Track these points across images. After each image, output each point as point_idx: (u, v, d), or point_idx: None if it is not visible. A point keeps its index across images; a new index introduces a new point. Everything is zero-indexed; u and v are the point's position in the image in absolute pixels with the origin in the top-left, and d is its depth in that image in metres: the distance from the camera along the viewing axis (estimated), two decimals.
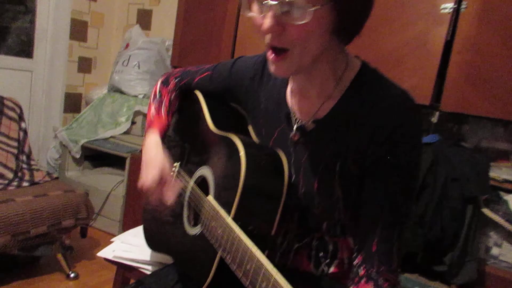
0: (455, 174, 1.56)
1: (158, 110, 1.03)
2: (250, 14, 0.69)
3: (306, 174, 0.80)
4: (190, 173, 0.94)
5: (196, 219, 0.88)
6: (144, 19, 3.21)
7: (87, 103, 3.16)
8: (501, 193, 1.70)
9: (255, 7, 0.68)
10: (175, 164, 1.01)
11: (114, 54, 3.30)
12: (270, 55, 0.70)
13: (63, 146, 2.76)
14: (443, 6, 1.72)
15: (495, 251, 1.60)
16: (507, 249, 1.58)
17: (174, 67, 2.58)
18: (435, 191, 1.56)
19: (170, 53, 2.87)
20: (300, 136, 0.81)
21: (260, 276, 0.60)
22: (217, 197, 0.79)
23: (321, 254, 0.85)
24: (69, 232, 1.95)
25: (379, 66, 2.00)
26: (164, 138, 1.01)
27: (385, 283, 0.70)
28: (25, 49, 2.86)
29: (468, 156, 1.66)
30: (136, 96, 2.83)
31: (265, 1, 0.64)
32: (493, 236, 1.60)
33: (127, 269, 1.21)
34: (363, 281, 0.71)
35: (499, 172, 1.80)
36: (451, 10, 1.70)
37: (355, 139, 0.74)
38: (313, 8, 0.62)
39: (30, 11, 2.86)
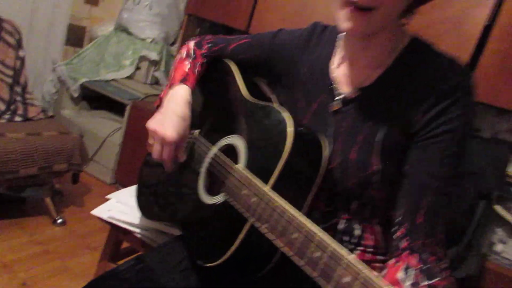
0: (472, 168, 1.48)
1: (193, 69, 0.96)
2: None
3: (344, 142, 0.77)
4: (213, 141, 0.89)
5: (214, 188, 0.84)
6: None
7: (91, 39, 2.97)
8: None
9: None
10: (194, 131, 0.94)
11: None
12: (352, 12, 0.67)
13: (61, 81, 2.61)
14: None
15: (498, 247, 1.58)
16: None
17: (188, 15, 2.41)
18: None
19: None
20: (342, 106, 0.79)
21: (312, 245, 0.58)
22: (249, 167, 0.76)
23: (346, 238, 0.80)
24: (60, 176, 1.87)
25: None
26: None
27: (431, 257, 0.67)
28: None
29: (487, 148, 1.58)
30: (143, 40, 2.66)
31: None
32: (499, 233, 1.58)
33: (121, 231, 1.14)
34: (406, 253, 0.68)
35: None
36: None
37: (403, 106, 0.72)
38: None
39: None
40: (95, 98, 2.73)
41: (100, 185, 2.37)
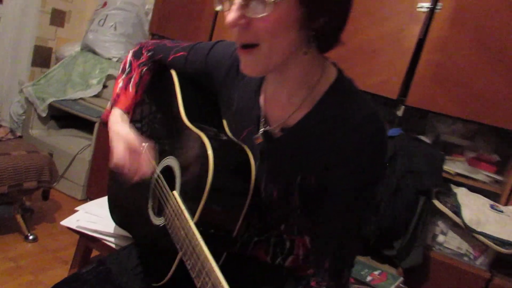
0: (412, 167, 1.64)
1: (126, 85, 0.97)
2: (218, 7, 0.70)
3: (267, 181, 0.80)
4: (157, 159, 0.91)
5: (159, 209, 0.87)
6: None
7: (57, 59, 3.04)
8: (452, 186, 1.83)
9: (226, 4, 0.68)
10: (143, 144, 0.91)
11: (90, 10, 3.16)
12: (240, 51, 0.70)
13: (29, 102, 2.66)
14: (420, 4, 1.77)
15: (441, 238, 1.73)
16: (452, 237, 1.71)
17: (152, 34, 2.53)
18: (391, 183, 1.64)
19: (149, 17, 2.79)
20: (265, 142, 0.80)
21: None
22: (182, 195, 0.77)
23: (278, 249, 0.87)
24: (31, 194, 1.93)
25: (355, 57, 2.07)
26: (133, 113, 0.98)
27: None
28: None
29: (426, 150, 1.75)
30: (110, 59, 2.76)
31: None
32: (441, 225, 1.72)
33: (90, 239, 1.21)
34: None
35: (453, 166, 1.92)
36: (427, 9, 1.75)
37: (320, 154, 0.74)
38: (273, 0, 0.62)
39: None
40: (63, 117, 2.80)
41: (71, 201, 2.43)
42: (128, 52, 1.04)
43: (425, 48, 1.79)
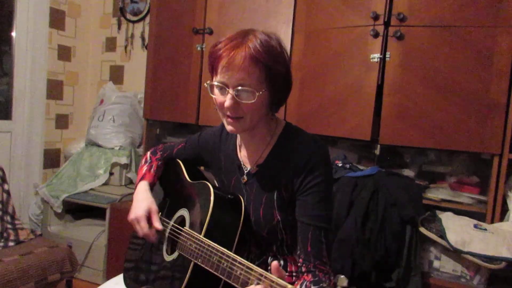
0: (393, 200, 1.79)
1: (149, 169, 1.36)
2: (214, 96, 1.04)
3: (254, 205, 1.13)
4: (170, 217, 1.25)
5: (172, 249, 1.16)
6: (116, 74, 3.45)
7: (65, 158, 3.31)
8: (438, 212, 1.95)
9: (216, 90, 1.03)
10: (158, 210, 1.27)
11: (90, 108, 3.50)
12: (229, 120, 1.03)
13: (45, 202, 2.89)
14: (372, 55, 2.01)
15: (436, 264, 1.81)
16: (446, 261, 1.79)
17: (147, 119, 2.80)
18: (377, 217, 1.78)
19: (142, 105, 3.09)
20: (248, 179, 1.16)
21: (235, 266, 0.90)
22: (191, 226, 1.11)
23: None
24: (55, 286, 2.09)
25: (328, 108, 2.38)
26: (152, 191, 1.30)
27: (320, 273, 1.00)
28: (3, 111, 3.02)
29: (404, 183, 1.90)
30: (112, 148, 3.02)
31: (227, 89, 0.99)
32: (433, 251, 1.81)
33: None
34: (305, 274, 1.00)
35: (437, 193, 2.05)
36: (378, 59, 1.99)
37: (284, 174, 1.08)
38: (257, 93, 0.98)
39: (7, 74, 3.04)
40: (77, 209, 3.01)
41: (93, 287, 2.57)
42: (147, 152, 1.44)
43: (384, 92, 2.01)
